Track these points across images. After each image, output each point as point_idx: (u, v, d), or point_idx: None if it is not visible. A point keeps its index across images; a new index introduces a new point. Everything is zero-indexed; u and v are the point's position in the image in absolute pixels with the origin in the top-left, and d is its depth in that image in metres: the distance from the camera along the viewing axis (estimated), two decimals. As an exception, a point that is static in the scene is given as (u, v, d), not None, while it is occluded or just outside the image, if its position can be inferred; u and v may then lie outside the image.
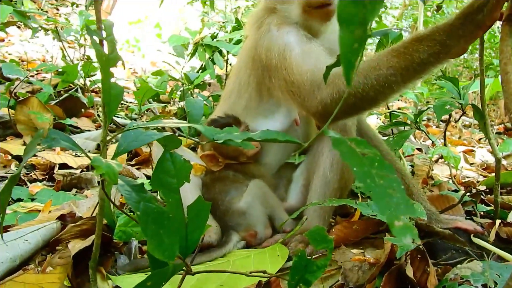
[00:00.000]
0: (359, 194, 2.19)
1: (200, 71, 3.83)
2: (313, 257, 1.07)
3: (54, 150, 2.82)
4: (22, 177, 2.43)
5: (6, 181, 1.05)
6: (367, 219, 1.89)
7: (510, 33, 1.11)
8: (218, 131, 1.16)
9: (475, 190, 2.65)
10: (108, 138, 1.22)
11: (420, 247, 1.45)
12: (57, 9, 9.37)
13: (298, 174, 2.08)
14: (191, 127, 3.10)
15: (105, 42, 1.15)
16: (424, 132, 2.44)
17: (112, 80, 1.17)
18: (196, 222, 1.21)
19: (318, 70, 1.61)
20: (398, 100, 8.11)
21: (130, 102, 4.84)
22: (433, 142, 3.02)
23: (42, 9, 8.10)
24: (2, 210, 1.06)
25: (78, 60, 4.70)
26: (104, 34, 1.15)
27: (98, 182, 2.42)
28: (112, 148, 2.87)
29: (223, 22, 3.81)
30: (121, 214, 1.76)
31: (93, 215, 1.79)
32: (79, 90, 3.81)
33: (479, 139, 5.35)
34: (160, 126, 1.21)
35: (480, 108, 1.99)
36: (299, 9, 1.84)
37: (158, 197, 1.51)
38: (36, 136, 1.08)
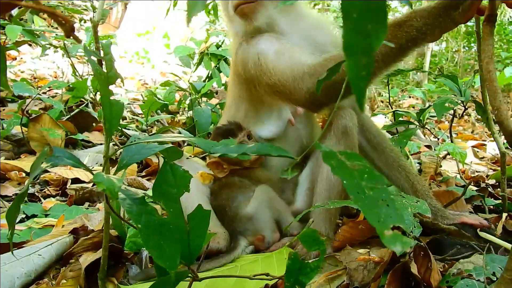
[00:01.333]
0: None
1: (207, 80, 3.88)
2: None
3: (66, 165, 2.89)
4: (36, 193, 2.50)
5: (15, 199, 1.10)
6: (373, 219, 1.91)
7: (491, 33, 1.13)
8: (215, 144, 1.20)
9: (484, 184, 2.65)
10: (112, 152, 1.27)
11: (422, 244, 1.46)
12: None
13: (304, 178, 2.11)
14: (196, 131, 3.15)
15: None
16: (429, 130, 2.45)
17: (119, 94, 1.22)
18: (198, 229, 1.25)
19: (295, 65, 1.73)
20: (410, 97, 8.10)
21: (141, 114, 4.92)
22: (438, 138, 3.03)
23: (52, 26, 8.24)
24: (11, 226, 1.11)
25: (88, 75, 4.79)
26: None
27: (109, 195, 2.48)
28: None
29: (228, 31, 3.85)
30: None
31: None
32: (89, 105, 3.88)
33: (490, 134, 5.31)
34: (161, 140, 1.25)
35: (482, 103, 2.01)
36: (234, 20, 1.97)
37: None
38: (41, 155, 1.12)
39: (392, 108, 3.30)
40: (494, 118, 1.27)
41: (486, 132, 5.37)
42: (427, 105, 4.52)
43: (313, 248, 1.07)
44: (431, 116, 4.14)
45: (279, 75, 1.77)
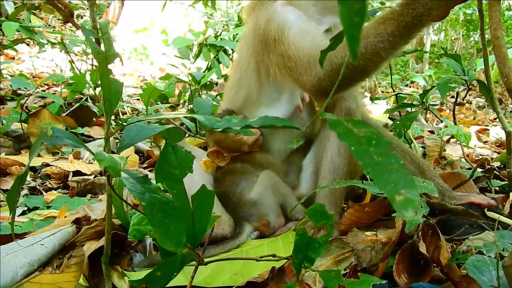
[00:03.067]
0: (368, 177, 2.19)
1: (206, 71, 3.86)
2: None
3: (68, 158, 2.87)
4: (37, 186, 2.47)
5: (14, 181, 1.08)
6: (378, 201, 1.89)
7: (497, -1, 1.11)
8: (217, 120, 1.17)
9: (489, 166, 2.63)
10: (112, 144, 1.24)
11: (430, 221, 1.44)
12: (64, 23, 9.49)
13: (308, 161, 2.09)
14: (197, 121, 3.12)
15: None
16: (432, 112, 2.43)
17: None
18: (202, 210, 1.22)
19: (314, 47, 1.68)
20: (410, 87, 8.06)
21: (141, 109, 4.89)
22: (442, 121, 3.00)
23: (49, 25, 8.21)
24: (12, 209, 1.08)
25: (86, 70, 4.77)
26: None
27: (111, 185, 2.46)
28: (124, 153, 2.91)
29: (226, 21, 3.83)
30: (134, 214, 1.78)
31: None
32: (89, 99, 3.86)
33: (494, 119, 5.29)
34: (161, 118, 1.22)
35: (486, 83, 1.99)
36: None
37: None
38: (41, 135, 1.10)
39: (394, 91, 3.26)
40: (499, 92, 1.25)
41: (488, 119, 5.34)
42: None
43: (320, 222, 1.05)
44: (432, 104, 4.12)
45: (295, 50, 1.73)
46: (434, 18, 1.45)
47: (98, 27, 1.18)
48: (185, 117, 1.34)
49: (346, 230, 1.76)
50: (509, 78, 1.05)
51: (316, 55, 1.65)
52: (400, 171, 0.82)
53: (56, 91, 4.65)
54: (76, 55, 5.23)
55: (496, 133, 3.96)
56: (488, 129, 4.12)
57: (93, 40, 1.17)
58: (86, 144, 3.00)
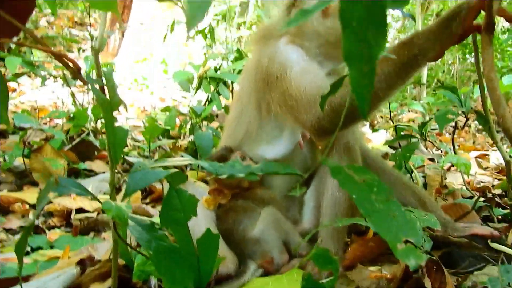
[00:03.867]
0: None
1: (207, 103, 3.89)
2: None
3: (70, 195, 2.87)
4: (40, 225, 2.47)
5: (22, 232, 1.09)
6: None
7: (490, 41, 1.14)
8: (221, 166, 1.19)
9: (490, 194, 2.63)
10: (116, 180, 1.26)
11: (435, 258, 1.45)
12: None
13: (309, 196, 2.10)
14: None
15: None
16: (432, 142, 2.45)
17: (120, 122, 1.22)
18: (207, 254, 1.24)
19: (315, 86, 1.71)
20: (409, 111, 8.10)
21: (142, 141, 4.92)
22: (441, 151, 3.02)
23: (50, 57, 8.30)
24: (20, 260, 1.09)
25: (88, 103, 4.81)
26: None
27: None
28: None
29: (225, 53, 3.89)
30: (137, 254, 1.79)
31: (111, 257, 1.83)
32: (90, 133, 3.88)
33: (494, 143, 5.30)
34: (165, 165, 1.24)
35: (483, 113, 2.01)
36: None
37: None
38: (47, 185, 1.12)
39: (392, 123, 3.29)
40: (498, 126, 1.27)
41: (488, 142, 5.35)
42: (427, 118, 4.53)
43: (325, 268, 1.06)
44: (431, 129, 4.14)
45: (296, 90, 1.76)
46: (430, 58, 1.49)
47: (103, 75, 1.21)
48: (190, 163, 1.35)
49: (350, 265, 1.76)
50: (505, 119, 1.07)
51: (316, 94, 1.67)
52: (401, 219, 0.83)
53: (57, 123, 4.69)
54: (77, 87, 5.27)
55: (496, 158, 3.97)
56: (488, 155, 4.13)
57: (98, 88, 1.19)
58: (88, 180, 3.00)
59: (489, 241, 1.87)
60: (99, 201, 1.13)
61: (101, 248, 2.02)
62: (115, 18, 10.01)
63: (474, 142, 5.73)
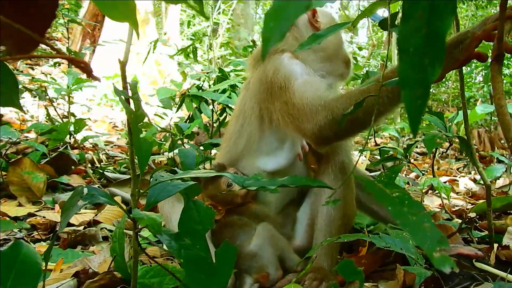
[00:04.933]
0: (364, 230, 2.26)
1: (188, 121, 3.92)
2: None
3: (54, 208, 2.84)
4: (25, 238, 2.43)
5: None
6: (373, 253, 1.96)
7: (499, 71, 1.23)
8: (248, 178, 1.23)
9: (467, 217, 2.75)
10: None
11: (435, 273, 1.51)
12: (32, 69, 9.42)
13: (302, 213, 2.15)
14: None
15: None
16: (415, 165, 2.55)
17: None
18: (224, 266, 1.27)
19: (317, 97, 1.80)
20: (379, 137, 8.30)
21: (117, 156, 4.89)
22: (423, 174, 3.14)
23: (17, 70, 8.15)
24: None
25: (60, 117, 4.74)
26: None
27: (103, 238, 2.45)
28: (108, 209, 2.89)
29: (207, 73, 3.93)
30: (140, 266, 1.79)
31: (110, 269, 1.83)
32: (68, 147, 3.84)
33: (458, 169, 5.51)
34: (188, 176, 1.27)
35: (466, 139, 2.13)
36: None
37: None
38: (75, 194, 1.13)
39: (376, 145, 3.40)
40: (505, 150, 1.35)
41: (452, 169, 5.55)
42: (401, 143, 4.69)
43: (351, 278, 1.11)
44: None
45: (299, 99, 1.83)
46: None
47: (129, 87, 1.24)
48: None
49: (344, 282, 1.81)
50: (513, 143, 1.15)
51: (318, 104, 1.77)
52: (433, 230, 0.90)
53: (27, 137, 4.61)
54: (47, 101, 5.20)
55: (465, 183, 4.14)
56: (457, 180, 4.30)
57: (124, 99, 1.22)
58: (66, 194, 2.96)
59: (474, 261, 1.96)
60: (126, 212, 1.14)
61: (94, 260, 2.00)
62: (86, 33, 9.95)
63: (438, 168, 5.93)
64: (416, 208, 0.93)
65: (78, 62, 1.12)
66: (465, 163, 5.57)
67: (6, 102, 1.03)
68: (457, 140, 2.16)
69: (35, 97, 4.92)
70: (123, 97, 1.21)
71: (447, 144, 2.97)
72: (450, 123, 2.35)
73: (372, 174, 3.65)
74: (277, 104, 1.94)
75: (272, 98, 1.97)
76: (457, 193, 3.76)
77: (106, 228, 2.60)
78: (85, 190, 1.13)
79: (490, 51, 1.38)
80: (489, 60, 1.31)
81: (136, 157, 1.19)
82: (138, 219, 1.04)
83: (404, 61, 0.72)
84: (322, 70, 2.05)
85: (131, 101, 1.21)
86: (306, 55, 2.03)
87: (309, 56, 2.04)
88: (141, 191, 1.26)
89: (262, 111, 2.06)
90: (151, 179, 1.30)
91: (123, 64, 1.25)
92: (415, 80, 0.72)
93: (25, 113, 4.80)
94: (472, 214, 2.88)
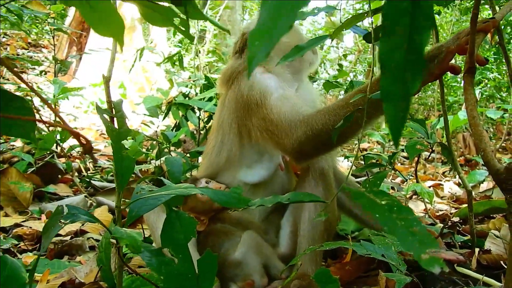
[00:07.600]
0: (349, 236, 2.29)
1: (174, 129, 3.93)
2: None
3: (40, 218, 2.83)
4: (11, 248, 2.43)
5: None
6: (357, 259, 1.99)
7: (471, 83, 1.27)
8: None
9: (450, 222, 2.79)
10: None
11: (415, 279, 1.54)
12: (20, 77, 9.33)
13: (285, 221, 2.17)
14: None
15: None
16: (399, 172, 2.59)
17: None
18: (206, 274, 1.29)
19: (295, 112, 1.83)
20: (366, 142, 8.36)
21: (104, 164, 4.88)
22: (406, 180, 3.18)
23: (3, 77, 8.09)
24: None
25: (46, 126, 4.73)
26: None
27: (90, 248, 2.45)
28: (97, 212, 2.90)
29: (194, 81, 3.95)
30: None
31: (96, 280, 1.84)
32: (55, 156, 3.84)
33: (443, 173, 5.57)
34: (168, 193, 1.28)
35: (447, 145, 2.17)
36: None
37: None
38: (55, 213, 1.15)
39: (360, 152, 3.44)
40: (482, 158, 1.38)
41: (438, 173, 5.61)
42: (386, 148, 4.73)
43: (327, 287, 1.13)
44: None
45: (276, 115, 1.86)
46: None
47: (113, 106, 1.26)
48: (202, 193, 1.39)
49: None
50: (485, 153, 1.19)
51: (297, 120, 1.80)
52: (422, 232, 0.93)
53: (13, 145, 4.59)
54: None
55: (450, 188, 4.19)
56: (442, 184, 4.35)
57: (108, 118, 1.24)
58: (53, 203, 2.96)
59: (455, 266, 1.99)
60: (109, 231, 1.16)
61: (81, 271, 2.01)
62: (72, 41, 9.92)
63: (425, 172, 5.98)
64: (405, 214, 0.96)
65: (79, 138, 1.13)
66: (451, 167, 5.63)
67: (21, 134, 1.06)
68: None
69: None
70: (105, 116, 1.23)
71: (430, 149, 3.00)
72: (432, 129, 2.39)
73: (357, 180, 3.69)
74: (254, 120, 1.97)
75: (249, 115, 2.00)
76: (441, 197, 3.81)
77: (92, 238, 2.60)
78: (65, 210, 1.14)
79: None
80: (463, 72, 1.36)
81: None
82: (118, 239, 1.05)
83: (386, 76, 0.75)
84: (294, 73, 2.12)
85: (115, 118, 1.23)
86: (274, 65, 2.06)
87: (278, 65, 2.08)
88: (127, 200, 1.28)
89: (240, 128, 2.09)
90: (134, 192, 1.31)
91: (107, 80, 1.27)
92: (397, 93, 0.75)
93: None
94: (456, 219, 2.93)
